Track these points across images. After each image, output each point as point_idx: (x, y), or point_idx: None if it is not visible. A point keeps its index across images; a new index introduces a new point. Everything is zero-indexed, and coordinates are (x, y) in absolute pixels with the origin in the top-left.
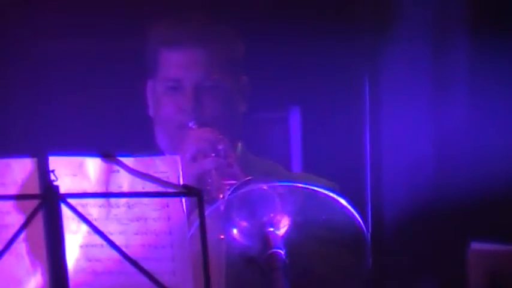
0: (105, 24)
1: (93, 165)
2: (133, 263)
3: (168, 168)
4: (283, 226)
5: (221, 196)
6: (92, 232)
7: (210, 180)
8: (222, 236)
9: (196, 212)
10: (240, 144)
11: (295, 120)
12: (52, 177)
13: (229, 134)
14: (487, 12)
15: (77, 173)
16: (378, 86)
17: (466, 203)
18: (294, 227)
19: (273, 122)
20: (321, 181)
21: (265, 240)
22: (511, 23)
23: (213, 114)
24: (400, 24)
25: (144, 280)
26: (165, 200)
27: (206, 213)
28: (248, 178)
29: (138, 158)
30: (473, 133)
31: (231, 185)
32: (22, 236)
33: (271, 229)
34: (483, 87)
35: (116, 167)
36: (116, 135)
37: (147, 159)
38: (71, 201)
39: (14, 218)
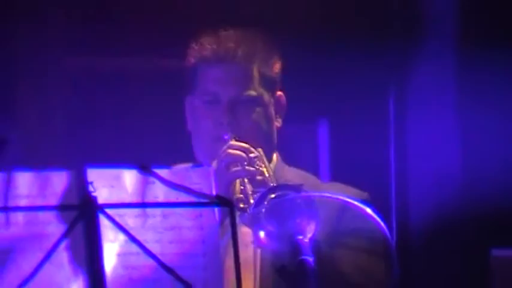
0: (144, 43)
1: (129, 177)
2: (169, 270)
3: (202, 179)
4: (309, 233)
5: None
6: (128, 241)
7: (242, 188)
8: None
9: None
10: (275, 155)
11: (323, 132)
12: (90, 188)
13: (264, 146)
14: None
15: (114, 184)
16: (403, 97)
17: (491, 212)
18: (322, 235)
19: (303, 133)
20: (351, 191)
21: (295, 248)
22: None
23: (248, 127)
24: (425, 39)
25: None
26: (198, 210)
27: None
28: (274, 185)
29: (173, 170)
30: (499, 143)
31: (258, 193)
32: (62, 245)
33: (300, 237)
34: (509, 99)
35: (152, 179)
36: (156, 149)
37: (181, 170)
38: (108, 211)
39: (55, 228)
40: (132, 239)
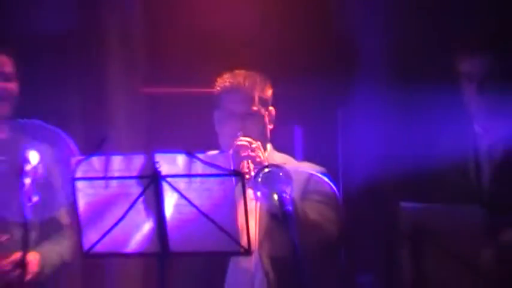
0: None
1: (181, 159)
2: (205, 215)
3: (224, 160)
4: (288, 193)
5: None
6: (180, 197)
7: (247, 166)
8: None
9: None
10: (269, 145)
11: (298, 133)
12: (157, 165)
13: (261, 140)
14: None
15: (171, 163)
16: (347, 111)
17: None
18: (296, 194)
19: (285, 133)
20: (315, 166)
21: (280, 202)
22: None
23: (252, 130)
24: (362, 73)
25: (212, 226)
26: (222, 178)
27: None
28: (266, 164)
29: (207, 155)
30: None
31: (257, 169)
32: (140, 199)
33: (284, 194)
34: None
35: (194, 159)
36: (198, 142)
37: (212, 155)
38: (168, 179)
39: (135, 189)
40: (182, 196)
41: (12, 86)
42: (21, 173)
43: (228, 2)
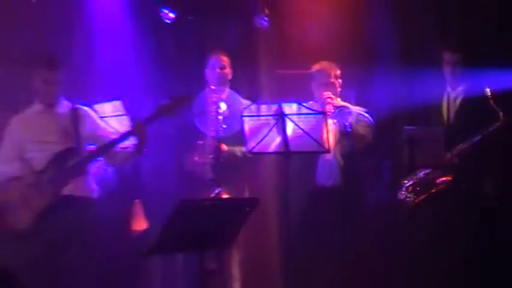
0: None
1: (295, 105)
2: (307, 134)
3: (317, 106)
4: (349, 121)
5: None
6: (294, 125)
7: (328, 108)
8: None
9: None
10: (339, 98)
11: (351, 94)
12: (283, 109)
13: (335, 95)
14: None
15: (290, 107)
16: None
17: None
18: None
19: None
20: (361, 108)
21: (344, 125)
22: None
23: (332, 90)
24: None
25: (310, 139)
26: (316, 115)
27: None
28: (337, 106)
29: (309, 103)
30: None
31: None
32: (275, 126)
33: (347, 122)
34: None
35: (302, 106)
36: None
37: (311, 103)
38: (289, 116)
39: (272, 121)
40: (296, 124)
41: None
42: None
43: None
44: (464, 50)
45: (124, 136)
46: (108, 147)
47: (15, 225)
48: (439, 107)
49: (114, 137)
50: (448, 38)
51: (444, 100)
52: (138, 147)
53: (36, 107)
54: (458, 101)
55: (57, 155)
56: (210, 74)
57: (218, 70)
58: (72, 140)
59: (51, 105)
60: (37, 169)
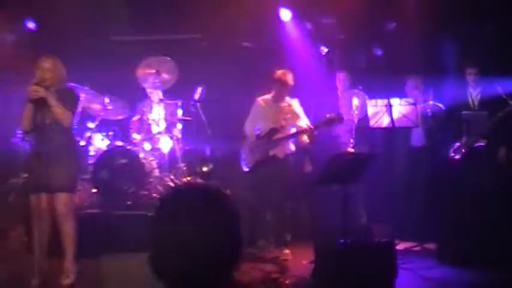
0: None
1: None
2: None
3: None
4: None
5: None
6: None
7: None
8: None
9: None
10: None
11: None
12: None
13: None
14: None
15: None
16: None
17: None
18: None
19: None
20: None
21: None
22: None
23: None
24: None
25: None
26: None
27: None
28: None
29: None
30: None
31: None
32: None
33: None
34: None
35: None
36: None
37: None
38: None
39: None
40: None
41: None
42: None
43: None
44: (479, 66)
45: (302, 132)
46: (294, 135)
47: (247, 165)
48: (466, 102)
49: (297, 129)
50: (469, 58)
51: (468, 97)
52: (310, 141)
53: (272, 100)
54: (478, 97)
55: (271, 130)
56: None
57: None
58: (284, 123)
59: (280, 100)
60: (260, 136)
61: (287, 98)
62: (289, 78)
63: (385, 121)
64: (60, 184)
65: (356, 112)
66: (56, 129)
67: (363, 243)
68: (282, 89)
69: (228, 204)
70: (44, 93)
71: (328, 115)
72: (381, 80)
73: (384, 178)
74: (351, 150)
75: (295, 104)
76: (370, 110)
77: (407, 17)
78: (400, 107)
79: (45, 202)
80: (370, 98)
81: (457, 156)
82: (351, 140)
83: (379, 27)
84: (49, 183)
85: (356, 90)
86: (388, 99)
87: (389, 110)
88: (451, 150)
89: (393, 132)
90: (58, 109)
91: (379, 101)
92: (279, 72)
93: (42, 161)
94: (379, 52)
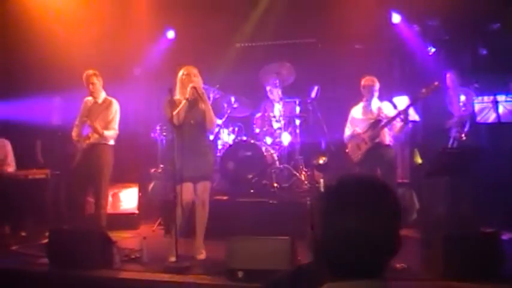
0: None
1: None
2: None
3: None
4: None
5: None
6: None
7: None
8: None
9: None
10: None
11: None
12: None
13: None
14: None
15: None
16: None
17: None
18: None
19: None
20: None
21: None
22: None
23: None
24: None
25: None
26: None
27: None
28: None
29: None
30: None
31: None
32: None
33: None
34: None
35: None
36: None
37: None
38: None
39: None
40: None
41: None
42: None
43: None
44: None
45: (396, 116)
46: (391, 120)
47: (354, 159)
48: None
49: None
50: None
51: None
52: (404, 121)
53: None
54: None
55: (372, 123)
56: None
57: None
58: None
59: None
60: (362, 131)
61: (376, 101)
62: (372, 82)
63: (491, 117)
64: (203, 174)
65: (463, 108)
66: (199, 129)
67: (469, 233)
68: (369, 94)
69: (394, 198)
70: (204, 97)
71: (423, 89)
72: (486, 79)
73: (491, 170)
74: (460, 143)
75: (385, 106)
76: (477, 106)
77: (510, 17)
78: (505, 103)
79: (190, 190)
80: (477, 95)
81: None
82: (462, 135)
83: (483, 28)
84: (194, 174)
85: (464, 88)
86: (494, 95)
87: (495, 106)
88: None
89: (499, 127)
90: (210, 113)
91: (486, 98)
92: (364, 79)
93: (186, 155)
94: (484, 51)
